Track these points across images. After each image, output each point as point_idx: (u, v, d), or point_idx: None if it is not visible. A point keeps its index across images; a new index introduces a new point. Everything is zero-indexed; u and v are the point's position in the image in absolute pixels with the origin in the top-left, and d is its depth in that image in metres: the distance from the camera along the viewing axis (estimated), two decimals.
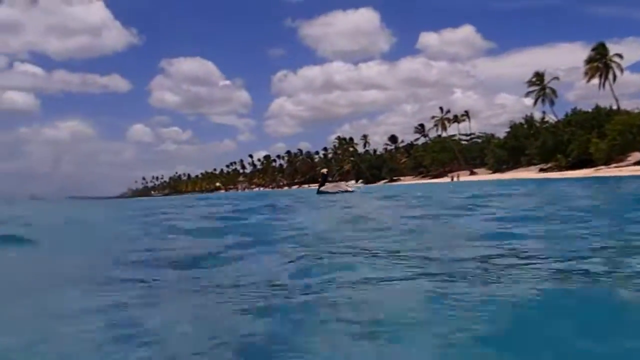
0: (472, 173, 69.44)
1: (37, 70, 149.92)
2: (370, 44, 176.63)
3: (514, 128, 65.14)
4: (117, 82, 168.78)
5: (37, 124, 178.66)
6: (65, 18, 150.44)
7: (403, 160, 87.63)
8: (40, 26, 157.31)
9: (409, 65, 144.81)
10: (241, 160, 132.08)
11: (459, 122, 79.77)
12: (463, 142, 79.36)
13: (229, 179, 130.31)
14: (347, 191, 24.94)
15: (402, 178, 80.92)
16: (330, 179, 30.52)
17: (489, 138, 73.81)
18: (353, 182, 32.92)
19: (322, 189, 25.50)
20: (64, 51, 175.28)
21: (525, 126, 63.64)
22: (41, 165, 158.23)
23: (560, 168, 51.28)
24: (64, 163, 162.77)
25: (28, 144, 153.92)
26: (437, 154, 76.08)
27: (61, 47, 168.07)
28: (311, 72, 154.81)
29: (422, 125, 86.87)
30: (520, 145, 61.54)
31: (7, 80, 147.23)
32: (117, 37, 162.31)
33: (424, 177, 76.55)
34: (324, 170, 28.45)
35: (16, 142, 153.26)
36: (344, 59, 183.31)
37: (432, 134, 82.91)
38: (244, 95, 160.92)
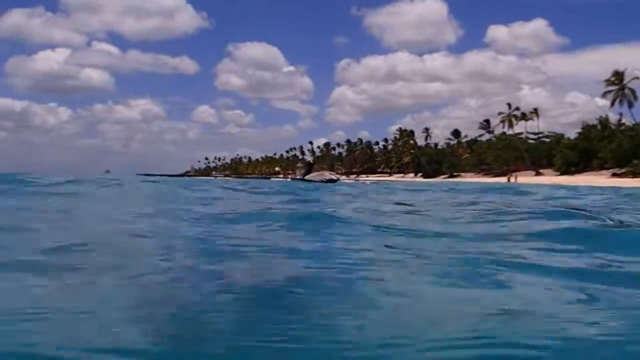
0: (538, 174, 66.56)
1: (113, 49, 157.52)
2: (436, 36, 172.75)
3: (587, 129, 61.75)
4: (186, 64, 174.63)
5: (111, 101, 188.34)
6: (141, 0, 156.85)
7: (465, 156, 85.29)
8: (118, 7, 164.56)
9: (475, 59, 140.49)
10: (301, 147, 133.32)
11: (526, 120, 76.52)
12: (530, 141, 76.11)
13: (288, 164, 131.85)
14: (330, 180, 24.55)
15: (462, 174, 78.85)
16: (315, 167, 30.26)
17: (558, 138, 70.37)
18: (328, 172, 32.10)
19: (307, 176, 25.23)
20: (138, 32, 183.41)
21: (599, 127, 60.19)
22: (114, 142, 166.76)
23: (635, 174, 48.17)
24: (134, 140, 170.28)
25: (103, 121, 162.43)
26: (502, 151, 73.42)
27: (136, 27, 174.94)
28: (375, 62, 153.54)
29: (487, 121, 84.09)
30: (593, 147, 58.30)
31: (85, 58, 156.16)
32: (188, 20, 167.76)
33: (485, 174, 74.17)
34: (310, 160, 28.41)
35: (92, 119, 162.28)
36: (408, 49, 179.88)
37: (497, 131, 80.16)
38: (306, 82, 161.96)
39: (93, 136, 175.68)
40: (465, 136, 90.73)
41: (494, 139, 79.45)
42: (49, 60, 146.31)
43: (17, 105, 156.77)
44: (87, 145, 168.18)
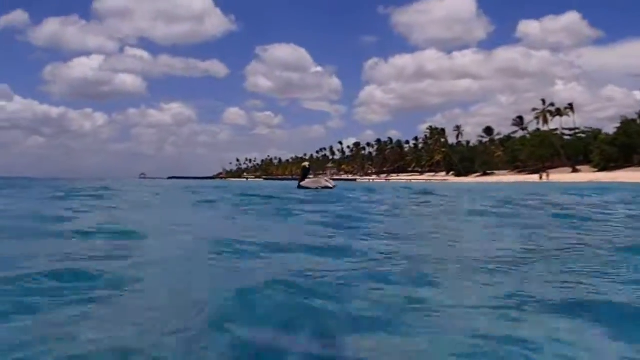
0: (575, 170, 64.87)
1: (145, 54, 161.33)
2: (466, 32, 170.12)
3: (626, 123, 59.82)
4: (216, 67, 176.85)
5: (144, 105, 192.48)
6: (171, 5, 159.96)
7: (498, 153, 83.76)
8: (149, 13, 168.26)
9: (506, 55, 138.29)
10: (331, 147, 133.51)
11: (561, 116, 74.74)
12: (566, 137, 74.20)
13: (318, 164, 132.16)
14: (326, 187, 24.03)
15: (496, 172, 77.49)
16: (311, 173, 29.07)
17: (595, 133, 68.34)
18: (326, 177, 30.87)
19: (302, 183, 24.76)
20: (169, 37, 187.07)
21: (639, 122, 58.26)
22: (147, 145, 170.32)
23: None
24: (166, 144, 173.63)
25: (136, 125, 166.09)
26: (536, 148, 71.76)
27: (167, 32, 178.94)
28: (403, 60, 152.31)
29: (520, 118, 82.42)
30: (633, 142, 56.47)
31: (118, 64, 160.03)
32: (217, 23, 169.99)
33: (520, 172, 72.71)
34: (306, 164, 27.39)
35: (126, 123, 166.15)
36: (437, 47, 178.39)
37: (531, 127, 78.41)
38: (335, 82, 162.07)
39: (127, 140, 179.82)
40: (498, 133, 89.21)
41: (528, 135, 77.74)
42: (84, 67, 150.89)
43: (55, 111, 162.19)
44: (121, 149, 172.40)
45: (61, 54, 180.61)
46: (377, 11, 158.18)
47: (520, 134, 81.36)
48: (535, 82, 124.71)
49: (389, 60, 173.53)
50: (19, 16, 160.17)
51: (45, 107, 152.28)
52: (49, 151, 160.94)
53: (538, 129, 76.22)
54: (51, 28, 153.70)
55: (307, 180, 24.94)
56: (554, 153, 70.80)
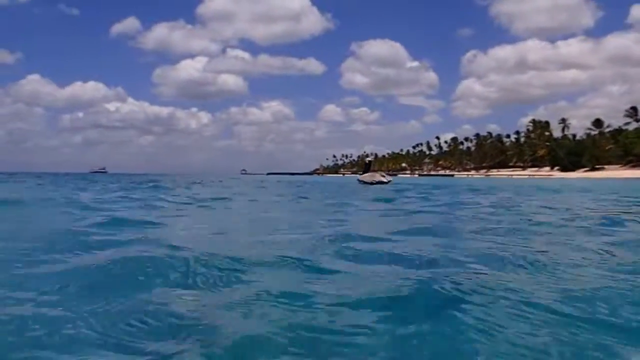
0: None
1: (245, 55, 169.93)
2: (571, 20, 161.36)
3: None
4: (313, 65, 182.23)
5: (245, 103, 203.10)
6: (269, 6, 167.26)
7: (608, 147, 79.77)
8: (248, 15, 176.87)
9: (617, 42, 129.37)
10: (427, 142, 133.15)
11: None
12: None
13: (414, 160, 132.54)
14: (381, 182, 24.79)
15: (606, 167, 74.10)
16: (373, 167, 29.38)
17: None
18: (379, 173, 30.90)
19: (360, 177, 25.60)
20: (267, 37, 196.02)
21: None
22: (248, 142, 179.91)
23: None
24: (266, 141, 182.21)
25: (238, 123, 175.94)
26: None
27: (265, 33, 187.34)
28: (503, 52, 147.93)
29: (634, 109, 78.07)
30: None
31: (221, 65, 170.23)
32: (314, 22, 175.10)
33: (633, 166, 69.12)
34: (368, 159, 27.81)
35: (228, 121, 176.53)
36: (539, 36, 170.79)
37: None
38: (431, 77, 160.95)
39: (229, 137, 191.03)
40: (608, 126, 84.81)
41: None
42: (189, 69, 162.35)
43: (164, 111, 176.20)
44: (224, 146, 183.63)
45: (169, 57, 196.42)
46: (474, 2, 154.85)
47: (634, 125, 77.16)
48: None
49: (488, 52, 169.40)
50: (130, 23, 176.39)
51: (155, 108, 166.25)
52: (159, 149, 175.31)
53: None
54: (160, 33, 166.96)
55: (365, 175, 26.64)
56: None
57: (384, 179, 25.73)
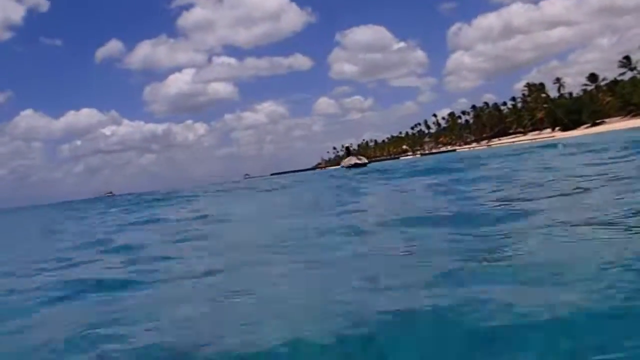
0: None
1: (231, 60, 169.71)
2: None
3: None
4: (300, 61, 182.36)
5: (239, 109, 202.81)
6: (248, 9, 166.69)
7: (607, 100, 79.05)
8: (228, 20, 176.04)
9: None
10: (425, 121, 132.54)
11: None
12: None
13: (415, 140, 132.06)
14: (356, 164, 25.34)
15: (606, 121, 73.43)
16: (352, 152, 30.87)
17: None
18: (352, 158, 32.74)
19: (342, 163, 26.27)
20: (251, 40, 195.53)
21: None
22: (247, 147, 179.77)
23: None
24: (265, 142, 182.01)
25: (234, 129, 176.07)
26: None
27: (248, 36, 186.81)
28: (487, 20, 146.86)
29: (627, 58, 77.04)
30: None
31: (209, 74, 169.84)
32: (294, 18, 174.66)
33: (634, 116, 68.42)
34: (348, 144, 29.26)
35: (225, 129, 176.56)
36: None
37: None
38: (419, 55, 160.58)
39: (228, 144, 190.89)
40: (604, 79, 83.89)
41: (638, 75, 72.67)
42: (178, 82, 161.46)
43: (160, 128, 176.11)
44: (224, 154, 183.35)
45: (156, 73, 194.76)
46: None
47: (629, 75, 76.29)
48: (638, 17, 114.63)
49: (472, 22, 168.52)
50: (114, 46, 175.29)
51: (151, 125, 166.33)
52: (160, 166, 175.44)
53: None
54: (144, 51, 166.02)
55: (345, 160, 27.62)
56: None
57: (360, 161, 26.89)
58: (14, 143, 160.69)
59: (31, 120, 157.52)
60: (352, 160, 28.07)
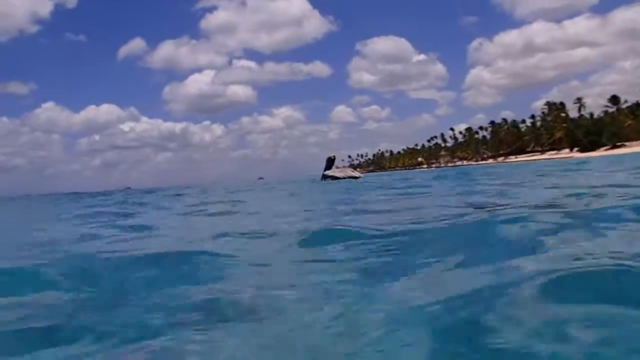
0: None
1: (251, 64, 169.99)
2: None
3: None
4: (319, 68, 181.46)
5: (256, 112, 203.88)
6: (270, 14, 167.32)
7: (628, 123, 77.99)
8: (251, 24, 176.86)
9: (624, 15, 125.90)
10: (442, 134, 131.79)
11: None
12: None
13: (430, 153, 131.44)
14: (352, 177, 25.05)
15: (627, 144, 72.39)
16: (336, 164, 30.19)
17: None
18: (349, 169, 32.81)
19: (328, 172, 25.82)
20: (271, 45, 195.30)
21: None
22: (263, 150, 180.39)
23: None
24: (280, 147, 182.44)
25: (251, 132, 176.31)
26: None
27: (269, 41, 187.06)
28: (508, 37, 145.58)
29: None
30: None
31: (229, 76, 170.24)
32: (316, 25, 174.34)
33: None
34: (331, 155, 28.60)
35: (241, 131, 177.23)
36: (544, 18, 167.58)
37: None
38: (439, 69, 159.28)
39: (244, 147, 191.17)
40: (626, 101, 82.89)
41: None
42: (198, 83, 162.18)
43: (178, 127, 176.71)
44: (240, 156, 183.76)
45: (177, 73, 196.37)
46: None
47: None
48: None
49: (493, 38, 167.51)
50: (137, 44, 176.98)
51: (169, 124, 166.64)
52: (176, 164, 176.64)
53: None
54: (166, 51, 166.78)
55: (334, 169, 27.20)
56: None
57: (355, 175, 26.86)
58: (33, 134, 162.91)
59: (52, 113, 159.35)
60: (348, 172, 27.95)
